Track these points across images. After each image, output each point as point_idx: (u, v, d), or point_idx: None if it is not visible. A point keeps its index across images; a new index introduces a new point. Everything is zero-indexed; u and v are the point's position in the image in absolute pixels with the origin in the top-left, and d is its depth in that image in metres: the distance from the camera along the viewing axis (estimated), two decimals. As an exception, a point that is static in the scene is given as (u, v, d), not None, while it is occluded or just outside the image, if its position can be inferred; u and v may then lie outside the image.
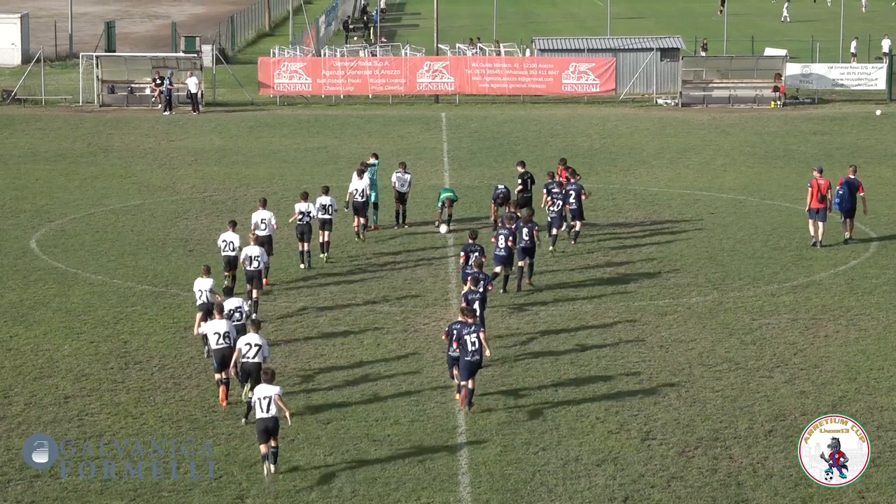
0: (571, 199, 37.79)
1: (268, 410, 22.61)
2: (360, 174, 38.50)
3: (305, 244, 35.54)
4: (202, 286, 28.45)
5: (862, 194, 38.75)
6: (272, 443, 22.67)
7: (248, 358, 24.83)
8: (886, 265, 36.33)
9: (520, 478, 22.73)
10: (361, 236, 38.78)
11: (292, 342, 29.67)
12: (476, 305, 27.83)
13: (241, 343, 25.02)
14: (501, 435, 24.39)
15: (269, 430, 22.63)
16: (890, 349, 29.25)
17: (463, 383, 25.50)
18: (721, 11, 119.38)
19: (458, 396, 25.90)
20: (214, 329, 25.80)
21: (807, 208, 38.58)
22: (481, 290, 28.42)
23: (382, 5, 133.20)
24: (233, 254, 32.32)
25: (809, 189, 38.32)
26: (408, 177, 40.53)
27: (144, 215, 42.37)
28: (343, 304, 32.65)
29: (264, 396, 22.67)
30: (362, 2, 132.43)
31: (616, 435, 24.42)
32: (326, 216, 36.23)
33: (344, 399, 26.15)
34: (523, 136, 58.81)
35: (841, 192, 38.56)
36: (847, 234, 38.85)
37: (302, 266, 35.53)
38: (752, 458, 23.41)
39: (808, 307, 32.40)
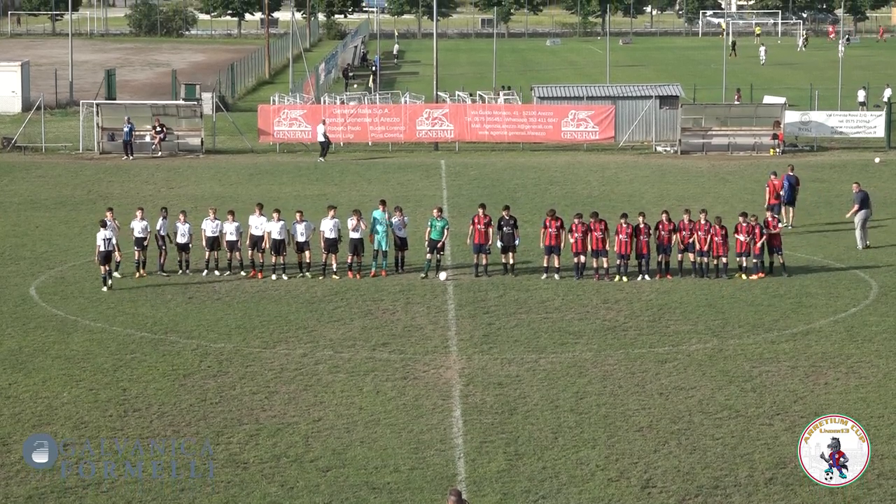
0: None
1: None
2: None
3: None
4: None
5: (798, 187, 48.83)
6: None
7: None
8: (886, 312, 36.31)
9: (519, 526, 22.64)
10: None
11: (291, 389, 29.62)
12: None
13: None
14: (501, 483, 24.31)
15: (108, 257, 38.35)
16: (890, 397, 29.19)
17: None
18: (733, 54, 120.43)
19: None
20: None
21: (766, 205, 47.06)
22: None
23: (394, 51, 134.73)
24: (258, 234, 40.47)
25: (766, 189, 47.87)
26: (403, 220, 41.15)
27: (144, 262, 42.30)
28: (342, 351, 32.62)
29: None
30: (362, 50, 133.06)
31: (616, 483, 24.34)
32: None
33: (343, 446, 26.08)
34: (523, 184, 58.90)
35: (784, 186, 48.03)
36: (789, 223, 47.58)
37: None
38: (753, 507, 23.33)
39: (807, 354, 32.37)
